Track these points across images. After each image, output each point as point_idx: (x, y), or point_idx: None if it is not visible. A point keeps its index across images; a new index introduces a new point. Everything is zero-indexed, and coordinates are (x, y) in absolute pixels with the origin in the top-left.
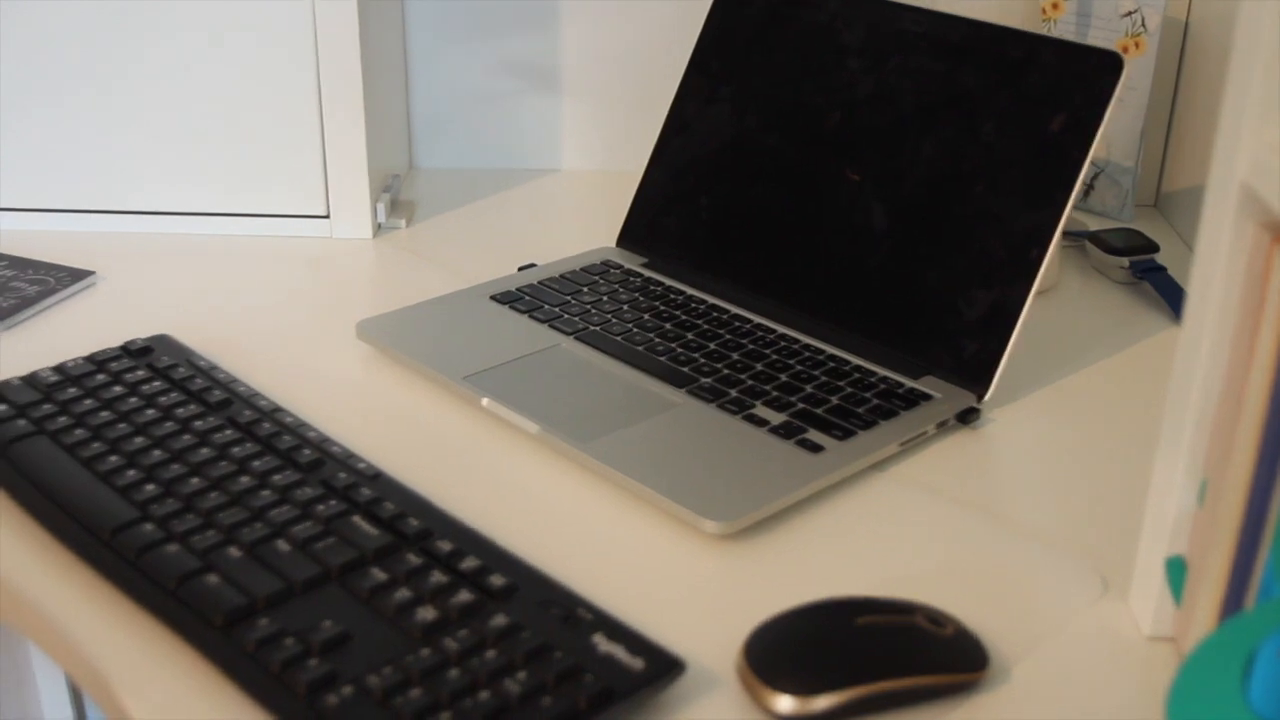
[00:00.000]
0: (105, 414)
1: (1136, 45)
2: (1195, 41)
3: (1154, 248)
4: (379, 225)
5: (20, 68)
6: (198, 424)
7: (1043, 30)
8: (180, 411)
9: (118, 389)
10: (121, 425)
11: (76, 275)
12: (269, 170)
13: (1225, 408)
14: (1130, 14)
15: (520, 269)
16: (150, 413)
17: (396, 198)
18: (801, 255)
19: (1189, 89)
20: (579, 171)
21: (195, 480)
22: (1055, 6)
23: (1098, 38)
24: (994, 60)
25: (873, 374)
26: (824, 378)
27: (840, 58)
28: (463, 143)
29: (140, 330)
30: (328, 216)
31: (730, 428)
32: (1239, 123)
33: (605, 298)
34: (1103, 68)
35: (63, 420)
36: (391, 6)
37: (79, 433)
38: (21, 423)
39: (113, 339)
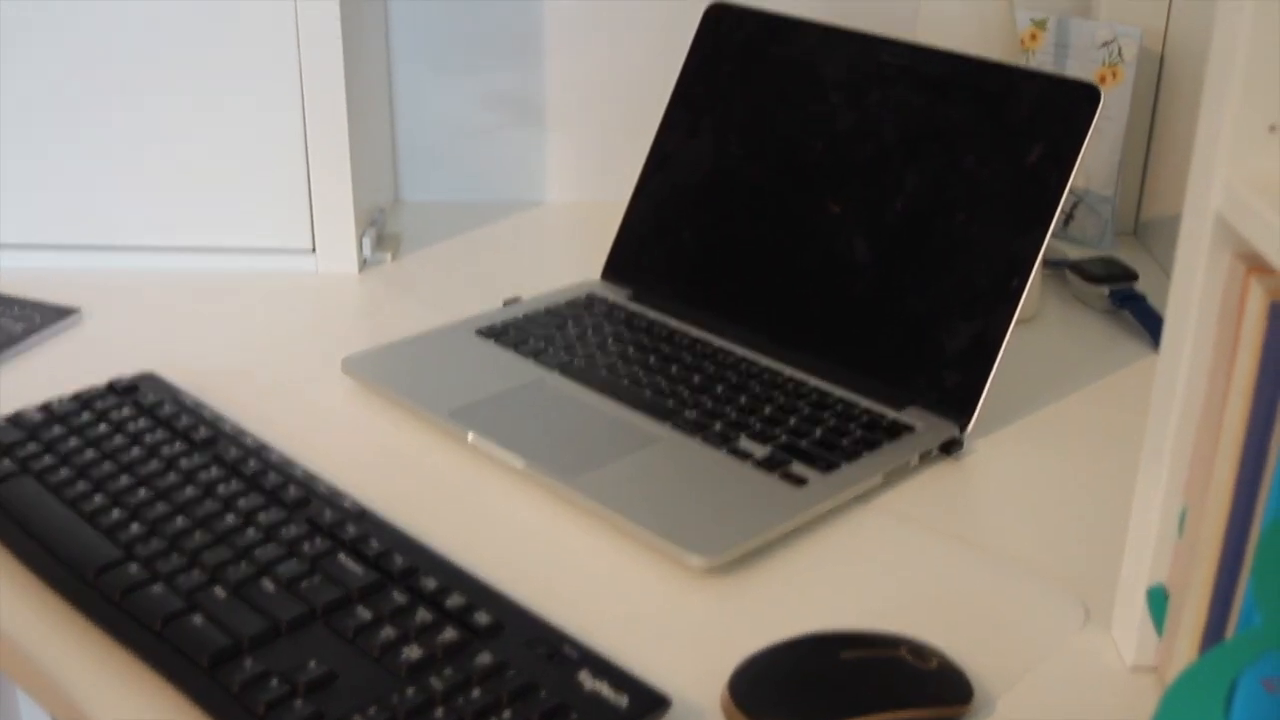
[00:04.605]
0: (91, 453)
1: (1114, 75)
2: (1171, 70)
3: (1133, 276)
4: (364, 260)
5: (2, 102)
6: (183, 462)
7: (1021, 60)
8: (166, 450)
9: (103, 428)
10: (107, 464)
11: (61, 312)
12: (254, 205)
13: (1204, 436)
14: (1107, 44)
15: (505, 303)
16: (136, 452)
17: (382, 231)
18: (785, 287)
19: (1166, 118)
20: (564, 203)
21: (180, 519)
22: (1033, 37)
23: (1075, 68)
24: (973, 92)
25: (855, 405)
26: (807, 410)
27: (821, 91)
28: (448, 175)
29: (126, 368)
30: (313, 251)
31: (714, 461)
32: (1213, 153)
33: (590, 331)
34: (1080, 99)
35: (48, 460)
36: (376, 39)
37: (64, 472)
38: (6, 463)
39: (98, 377)
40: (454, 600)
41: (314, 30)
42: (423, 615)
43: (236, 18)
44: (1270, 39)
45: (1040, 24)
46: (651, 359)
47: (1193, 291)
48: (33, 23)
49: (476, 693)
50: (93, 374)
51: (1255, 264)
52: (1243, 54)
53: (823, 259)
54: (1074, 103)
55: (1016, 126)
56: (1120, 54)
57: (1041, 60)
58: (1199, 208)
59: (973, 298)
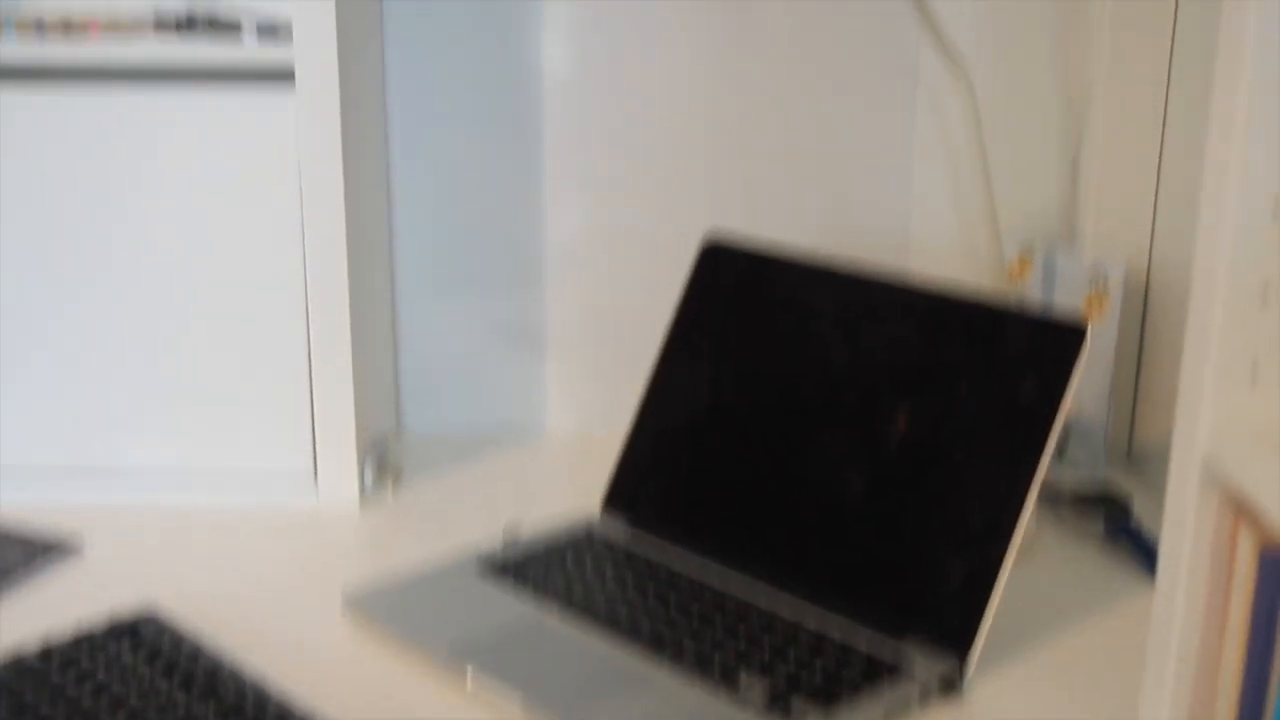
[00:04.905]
0: (89, 698)
1: (1100, 305)
2: (1157, 298)
3: (1127, 505)
4: (365, 490)
5: (2, 324)
6: (181, 706)
7: (1010, 291)
8: (164, 693)
9: (102, 671)
10: (104, 710)
11: (62, 545)
12: (257, 438)
13: (1202, 682)
14: (1093, 276)
15: (505, 536)
16: (134, 696)
17: (383, 461)
18: (782, 521)
19: (1154, 344)
20: (564, 432)
21: None
22: (1021, 268)
23: (1063, 298)
24: (964, 329)
25: (854, 644)
26: (806, 648)
27: (815, 327)
28: (449, 404)
29: (126, 600)
30: (315, 483)
31: (713, 702)
32: (1197, 399)
33: (589, 566)
34: (1067, 337)
35: (45, 707)
36: (381, 266)
37: (63, 716)
38: (4, 709)
39: (99, 609)
40: None
41: (320, 259)
42: None
43: (244, 244)
44: (1248, 284)
45: (1027, 256)
46: (651, 595)
47: (1183, 536)
48: (35, 247)
49: None
50: (93, 606)
51: (1243, 509)
52: (1222, 299)
53: (820, 493)
54: (1062, 340)
55: (1007, 363)
56: (1106, 284)
57: (1030, 290)
58: (1186, 451)
59: (969, 532)
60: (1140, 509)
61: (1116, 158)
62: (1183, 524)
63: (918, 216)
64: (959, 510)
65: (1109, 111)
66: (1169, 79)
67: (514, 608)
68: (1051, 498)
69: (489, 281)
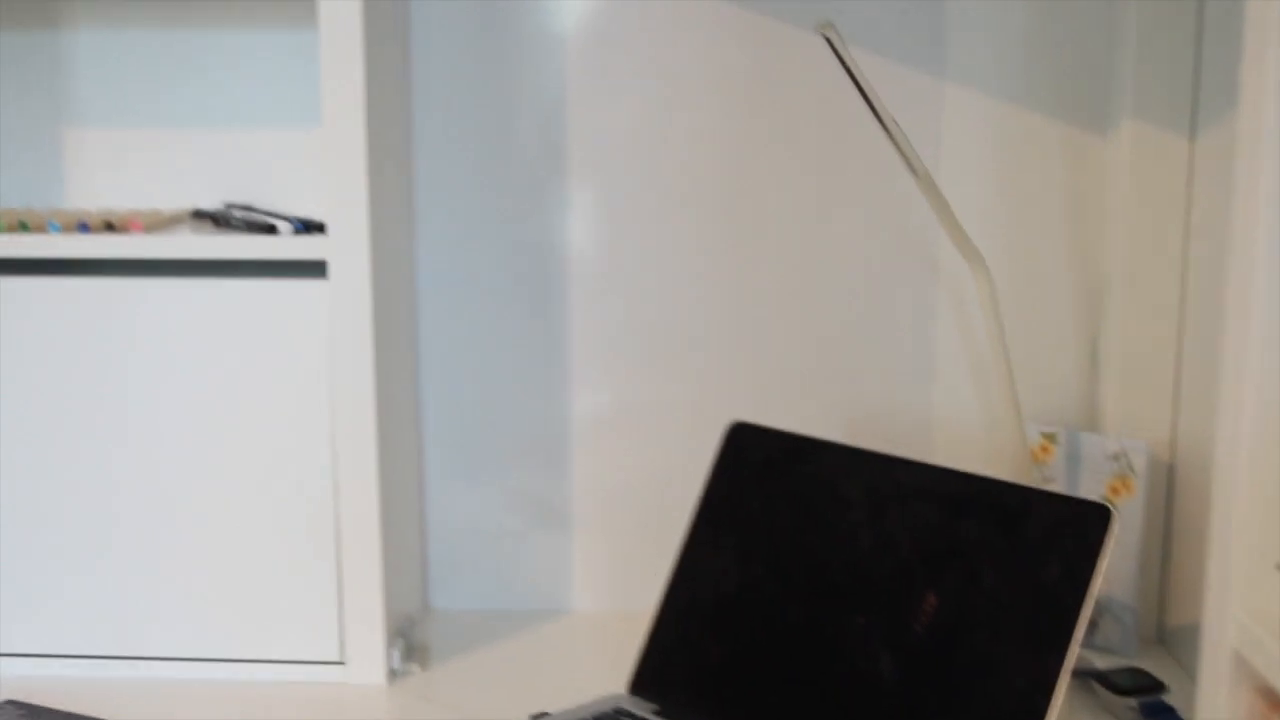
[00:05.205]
0: None
1: (1126, 486)
2: (1183, 478)
3: (1160, 687)
4: (393, 671)
5: (30, 511)
6: None
7: (1034, 473)
8: None
9: None
10: None
11: None
12: (284, 616)
13: None
14: (1117, 457)
15: (533, 718)
16: None
17: (410, 641)
18: (811, 703)
19: (1181, 525)
20: (591, 612)
21: None
22: (1045, 450)
23: (1087, 480)
24: (989, 511)
25: None
26: None
27: (842, 508)
28: (476, 582)
29: None
30: (342, 663)
31: None
32: (1224, 593)
33: None
34: (1094, 519)
35: None
36: (409, 447)
37: None
38: None
39: None
40: None
41: (350, 445)
42: None
43: (273, 430)
44: (1270, 475)
45: (1050, 438)
46: None
47: None
48: (67, 435)
49: None
50: None
51: (1275, 701)
52: (1244, 493)
53: (849, 676)
54: (1088, 523)
55: (1033, 546)
56: (1130, 466)
57: (1054, 472)
58: (1216, 645)
59: (1003, 716)
60: (1175, 689)
61: (1136, 338)
62: (1216, 715)
63: (940, 402)
64: (992, 693)
65: (1127, 293)
66: (1185, 260)
67: None
68: (1084, 679)
69: (515, 459)
